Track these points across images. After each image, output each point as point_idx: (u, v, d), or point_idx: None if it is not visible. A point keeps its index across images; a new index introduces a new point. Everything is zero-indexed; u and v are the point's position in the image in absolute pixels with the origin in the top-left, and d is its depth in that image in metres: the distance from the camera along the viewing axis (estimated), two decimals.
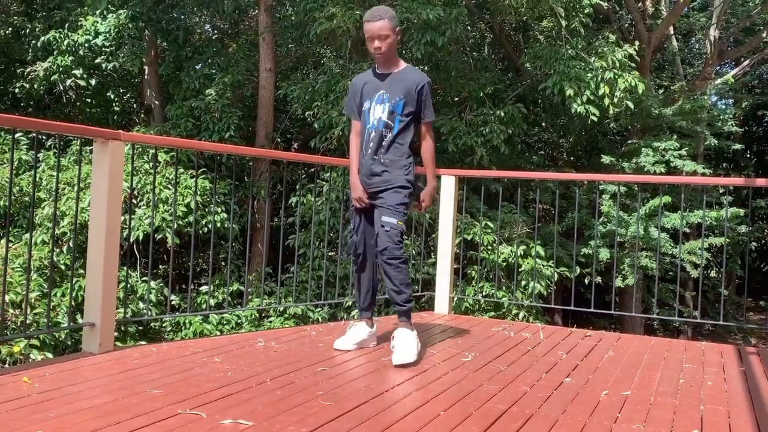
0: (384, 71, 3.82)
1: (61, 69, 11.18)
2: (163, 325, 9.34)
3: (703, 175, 10.77)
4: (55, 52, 11.23)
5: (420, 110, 3.78)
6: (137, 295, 8.73)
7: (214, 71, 11.72)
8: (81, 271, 7.17)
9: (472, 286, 8.97)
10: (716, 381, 3.48)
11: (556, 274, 8.77)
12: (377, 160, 3.73)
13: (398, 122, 3.73)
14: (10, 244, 8.44)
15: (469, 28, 11.98)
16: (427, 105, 3.79)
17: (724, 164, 16.04)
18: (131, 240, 8.67)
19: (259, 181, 10.73)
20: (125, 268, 6.85)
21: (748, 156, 18.49)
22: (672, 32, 13.95)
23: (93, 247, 3.57)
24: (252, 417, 2.53)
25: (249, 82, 11.55)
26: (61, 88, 11.71)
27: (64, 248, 8.62)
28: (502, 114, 10.27)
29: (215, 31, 13.81)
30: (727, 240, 8.95)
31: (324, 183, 9.67)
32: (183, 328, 9.10)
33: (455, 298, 5.25)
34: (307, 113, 10.02)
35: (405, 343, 3.54)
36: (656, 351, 4.19)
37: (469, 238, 9.03)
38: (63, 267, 8.40)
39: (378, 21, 3.68)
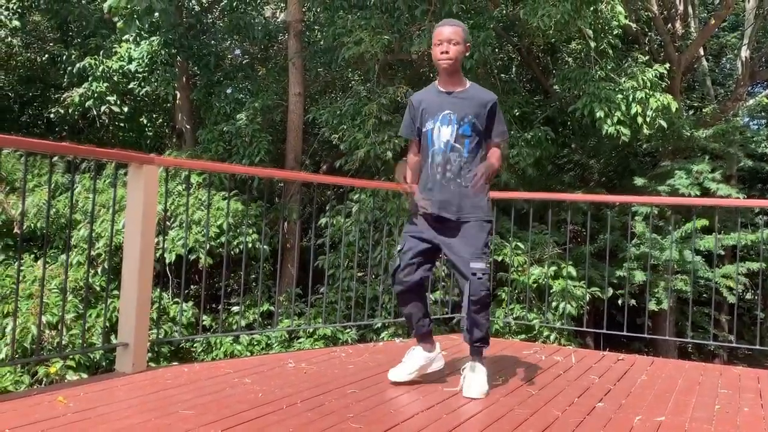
0: (448, 89, 3.52)
1: (95, 95, 11.44)
2: (195, 345, 9.41)
3: (738, 198, 10.61)
4: (89, 78, 11.50)
5: (489, 131, 3.53)
6: (170, 317, 8.82)
7: (244, 96, 11.89)
8: (116, 292, 7.28)
9: (503, 308, 8.91)
10: (753, 407, 3.41)
11: (588, 295, 8.67)
12: (447, 187, 3.43)
13: (467, 145, 3.46)
14: (47, 266, 8.60)
15: (497, 50, 12.01)
16: (499, 122, 3.55)
17: (759, 185, 15.78)
18: (165, 262, 8.78)
19: (289, 203, 10.82)
20: (158, 289, 6.94)
21: None
22: (702, 53, 13.85)
23: (127, 269, 3.63)
24: None
25: (278, 106, 11.69)
26: (95, 113, 11.97)
27: (99, 269, 8.76)
28: (529, 137, 10.25)
29: (245, 56, 14.01)
30: (764, 264, 8.79)
31: (353, 204, 9.71)
32: (214, 348, 9.17)
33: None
34: (333, 136, 10.11)
35: (478, 376, 3.41)
36: (691, 376, 4.12)
37: (499, 259, 8.98)
38: (98, 288, 8.53)
39: (450, 26, 3.46)
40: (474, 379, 3.39)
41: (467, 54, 3.46)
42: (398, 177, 3.66)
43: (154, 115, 14.04)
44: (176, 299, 9.15)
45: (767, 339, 13.60)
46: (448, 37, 3.43)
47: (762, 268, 5.56)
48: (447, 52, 3.43)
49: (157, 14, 10.11)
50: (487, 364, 3.52)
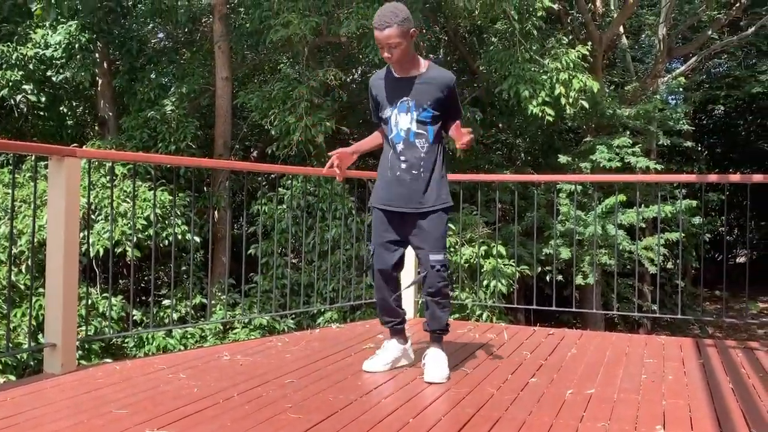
0: (404, 74, 3.41)
1: (10, 84, 10.95)
2: (126, 341, 9.20)
3: (656, 171, 11.01)
4: (3, 66, 10.99)
5: (448, 113, 3.46)
6: (98, 312, 8.59)
7: (169, 81, 11.60)
8: (41, 290, 7.04)
9: None
10: (677, 375, 3.56)
11: (517, 273, 8.87)
12: (413, 174, 3.40)
13: (429, 131, 3.41)
14: None
15: (424, 31, 12.06)
16: (455, 104, 3.50)
17: (677, 158, 16.42)
18: (91, 256, 8.53)
19: (218, 191, 10.65)
20: (85, 284, 6.74)
21: (699, 149, 18.96)
22: (622, 31, 14.24)
23: (51, 267, 3.51)
24: None
25: (205, 91, 11.46)
26: (13, 102, 11.47)
27: (23, 267, 8.44)
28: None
29: (169, 40, 13.65)
30: (683, 235, 9.17)
31: (285, 191, 9.64)
32: (146, 343, 8.98)
33: (420, 302, 5.28)
34: (264, 120, 9.99)
35: (439, 362, 3.43)
36: (618, 347, 4.28)
37: None
38: (22, 287, 8.23)
39: (385, 29, 3.24)
40: (435, 365, 3.40)
41: (413, 39, 3.34)
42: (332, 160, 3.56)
43: (74, 104, 13.54)
44: (105, 294, 8.92)
45: (688, 306, 14.23)
46: (385, 43, 3.27)
47: (681, 238, 5.79)
48: (390, 57, 3.32)
49: None
50: (446, 348, 3.58)
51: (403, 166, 3.41)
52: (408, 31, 3.28)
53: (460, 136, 3.39)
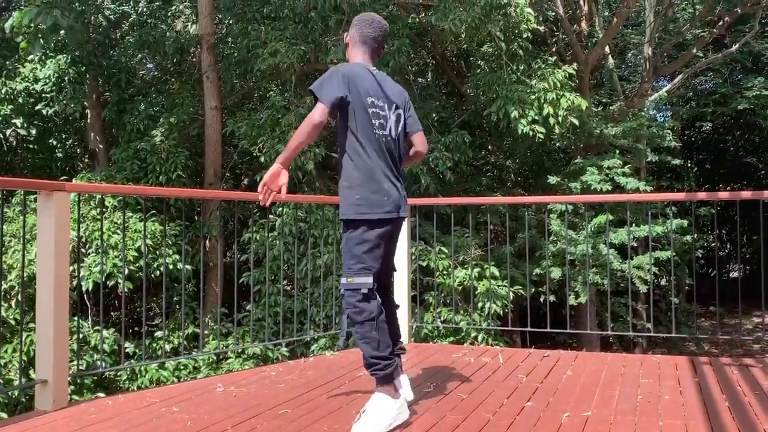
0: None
1: (0, 118, 10.96)
2: (119, 374, 9.11)
3: (645, 191, 11.06)
4: None
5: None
6: (90, 346, 8.51)
7: (158, 112, 11.61)
8: (31, 325, 6.98)
9: (430, 312, 9.01)
10: (672, 395, 3.55)
11: (511, 294, 8.86)
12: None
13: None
14: None
15: (412, 56, 12.15)
16: (415, 116, 3.43)
17: (667, 174, 16.52)
18: (82, 289, 8.48)
19: (209, 220, 10.63)
20: (76, 318, 6.69)
21: (689, 166, 19.09)
22: (608, 50, 14.39)
23: (42, 302, 3.49)
24: None
25: (195, 120, 11.48)
26: (2, 136, 11.47)
27: (13, 302, 8.38)
28: (448, 141, 10.41)
29: (157, 71, 13.70)
30: (673, 253, 9.20)
31: (276, 218, 9.63)
32: (139, 375, 8.90)
33: (414, 326, 5.26)
34: (253, 148, 10.00)
35: (367, 412, 2.99)
36: (613, 367, 4.27)
37: (425, 264, 9.07)
38: (13, 322, 8.16)
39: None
40: (365, 415, 2.98)
41: (380, 58, 3.37)
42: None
43: (64, 136, 13.54)
44: (96, 327, 8.85)
45: (683, 323, 14.22)
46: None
47: (672, 256, 5.81)
48: None
49: (63, 32, 9.78)
50: (387, 393, 3.02)
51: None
52: (349, 36, 3.42)
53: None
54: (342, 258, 3.12)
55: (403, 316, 5.46)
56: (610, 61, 14.76)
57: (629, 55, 17.27)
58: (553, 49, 12.76)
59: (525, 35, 10.06)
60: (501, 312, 8.89)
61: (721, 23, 13.88)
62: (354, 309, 3.03)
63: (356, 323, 3.04)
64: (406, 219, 3.47)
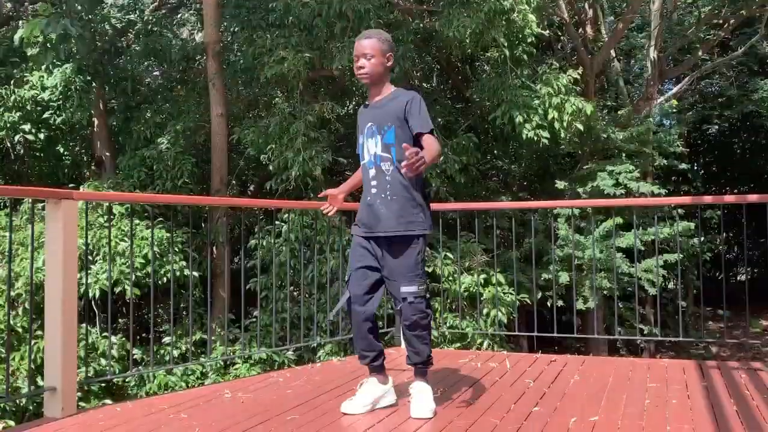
0: (372, 101, 3.43)
1: (8, 125, 11.03)
2: (127, 380, 9.14)
3: (653, 195, 11.04)
4: (1, 109, 11.07)
5: (410, 128, 3.30)
6: (98, 352, 8.54)
7: (164, 119, 11.66)
8: (39, 332, 7.00)
9: (436, 318, 9.01)
10: (680, 399, 3.54)
11: (517, 302, 8.85)
12: (382, 198, 3.31)
13: (394, 153, 3.29)
14: None
15: (417, 61, 12.17)
16: (416, 115, 3.27)
17: (674, 178, 16.49)
18: (90, 296, 8.51)
19: (216, 227, 10.66)
20: (84, 325, 6.71)
21: (696, 168, 19.05)
22: (614, 54, 14.39)
23: (50, 309, 3.50)
24: None
25: (201, 128, 11.52)
26: (9, 144, 11.53)
27: (20, 310, 8.42)
28: (455, 144, 10.42)
29: (164, 79, 13.76)
30: (681, 256, 9.16)
31: (282, 224, 9.65)
32: (147, 381, 8.92)
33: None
34: (262, 156, 10.03)
35: (423, 396, 3.33)
36: (620, 372, 4.26)
37: (430, 270, 9.07)
38: (20, 330, 8.19)
39: (365, 39, 3.33)
40: (420, 400, 3.31)
41: (389, 64, 3.37)
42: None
43: (71, 144, 13.62)
44: (105, 334, 8.88)
45: (690, 327, 14.18)
46: (362, 52, 3.31)
47: (679, 259, 5.80)
48: (363, 67, 3.31)
49: (72, 41, 9.84)
50: (431, 380, 3.45)
51: (374, 191, 3.35)
52: (385, 51, 3.34)
53: (409, 155, 2.96)
54: (400, 268, 3.28)
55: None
56: (616, 64, 14.77)
57: (634, 60, 17.27)
58: (559, 55, 12.77)
59: (529, 40, 10.07)
60: (505, 319, 8.88)
61: (726, 26, 13.88)
62: (421, 314, 3.28)
63: (420, 327, 3.31)
64: None
